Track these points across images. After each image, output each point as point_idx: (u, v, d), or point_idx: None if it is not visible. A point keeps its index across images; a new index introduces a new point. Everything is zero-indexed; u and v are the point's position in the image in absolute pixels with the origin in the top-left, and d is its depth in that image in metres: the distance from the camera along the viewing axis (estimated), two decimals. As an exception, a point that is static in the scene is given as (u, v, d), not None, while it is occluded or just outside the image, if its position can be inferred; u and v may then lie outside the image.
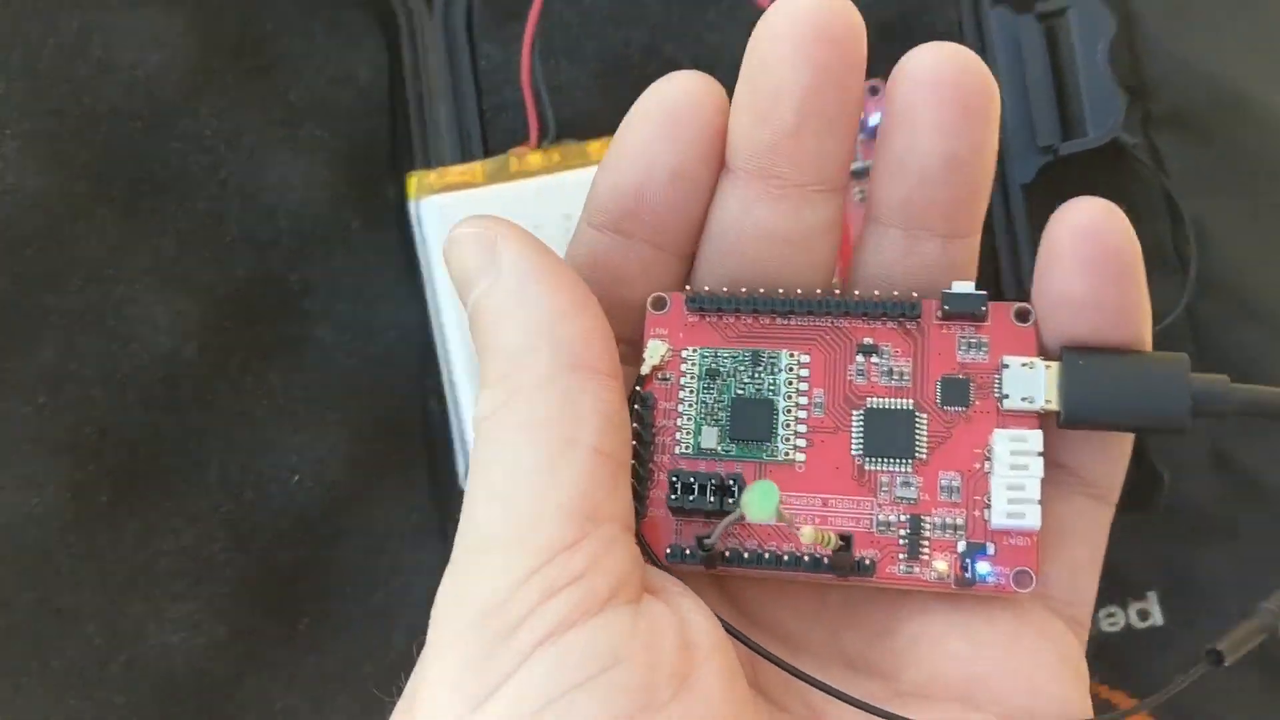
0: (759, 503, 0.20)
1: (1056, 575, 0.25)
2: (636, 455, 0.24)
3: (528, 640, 0.20)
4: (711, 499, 0.24)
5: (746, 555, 0.24)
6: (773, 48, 0.23)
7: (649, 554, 0.24)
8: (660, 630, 0.21)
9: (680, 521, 0.24)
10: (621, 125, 0.24)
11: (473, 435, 0.23)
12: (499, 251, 0.23)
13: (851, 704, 0.23)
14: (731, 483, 0.24)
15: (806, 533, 0.22)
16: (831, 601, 0.25)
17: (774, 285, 0.25)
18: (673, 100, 0.24)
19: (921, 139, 0.23)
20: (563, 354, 0.22)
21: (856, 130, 0.24)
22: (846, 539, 0.24)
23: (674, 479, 0.24)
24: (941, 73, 0.23)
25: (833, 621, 0.25)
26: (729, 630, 0.23)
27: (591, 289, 0.23)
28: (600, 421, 0.22)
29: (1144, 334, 0.24)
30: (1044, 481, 0.24)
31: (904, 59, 0.23)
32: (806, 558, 0.23)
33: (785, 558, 0.24)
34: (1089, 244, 0.23)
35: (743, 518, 0.21)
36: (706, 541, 0.23)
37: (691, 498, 0.24)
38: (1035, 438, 0.24)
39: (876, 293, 0.25)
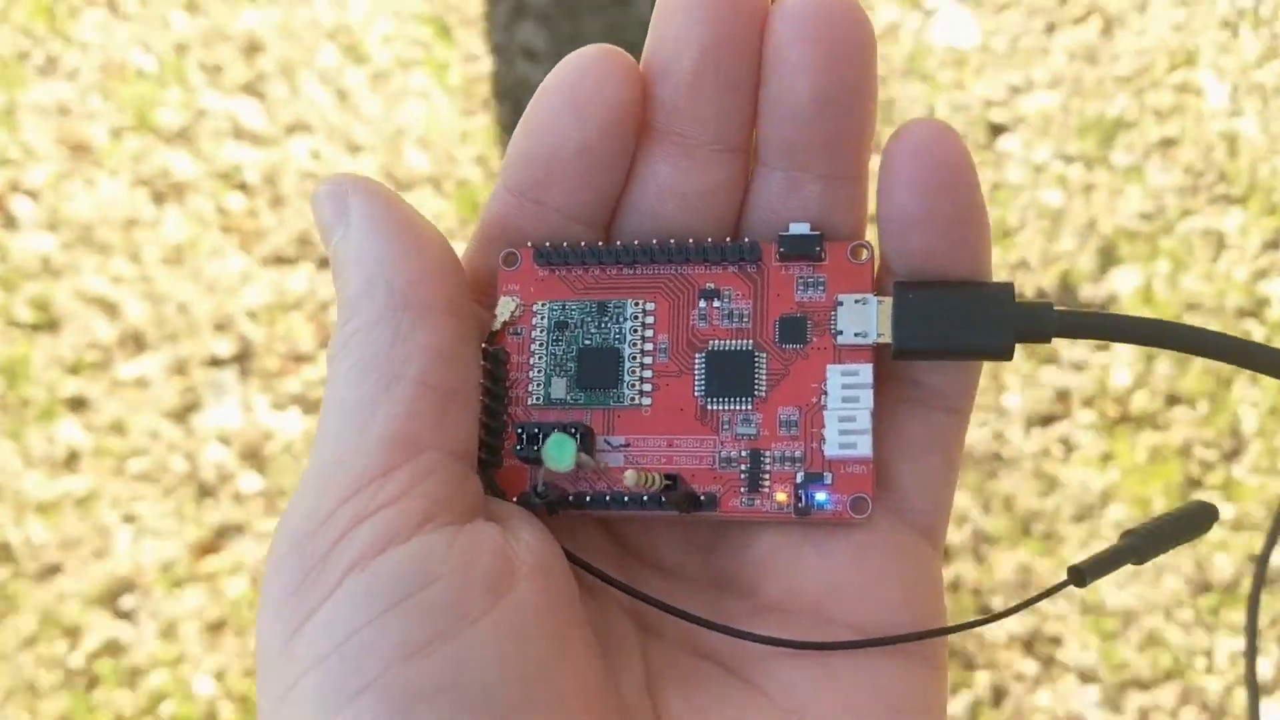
0: (555, 455, 0.21)
1: (911, 486, 0.25)
2: (489, 410, 0.25)
3: (338, 568, 0.21)
4: None
5: (589, 498, 0.25)
6: (673, 1, 0.24)
7: (504, 499, 0.25)
8: (478, 549, 0.22)
9: (534, 469, 0.25)
10: (533, 98, 0.25)
11: None
12: (349, 205, 0.24)
13: (679, 616, 0.24)
14: (573, 430, 0.25)
15: (629, 476, 0.23)
16: (699, 528, 0.26)
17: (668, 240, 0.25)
18: (577, 76, 0.24)
19: (791, 79, 0.24)
20: (395, 295, 0.23)
21: (756, 91, 0.25)
22: (673, 478, 0.24)
23: (519, 430, 0.25)
24: (810, 12, 0.23)
25: (701, 546, 0.26)
26: (571, 557, 0.24)
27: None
28: (428, 356, 0.23)
29: (980, 251, 0.24)
30: (897, 398, 0.25)
31: None
32: (646, 498, 0.24)
33: (626, 499, 0.24)
34: (921, 161, 0.23)
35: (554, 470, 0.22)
36: (538, 490, 0.24)
37: (536, 448, 0.25)
38: (866, 371, 0.25)
39: (711, 240, 0.26)
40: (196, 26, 0.88)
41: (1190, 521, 0.25)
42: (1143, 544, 0.25)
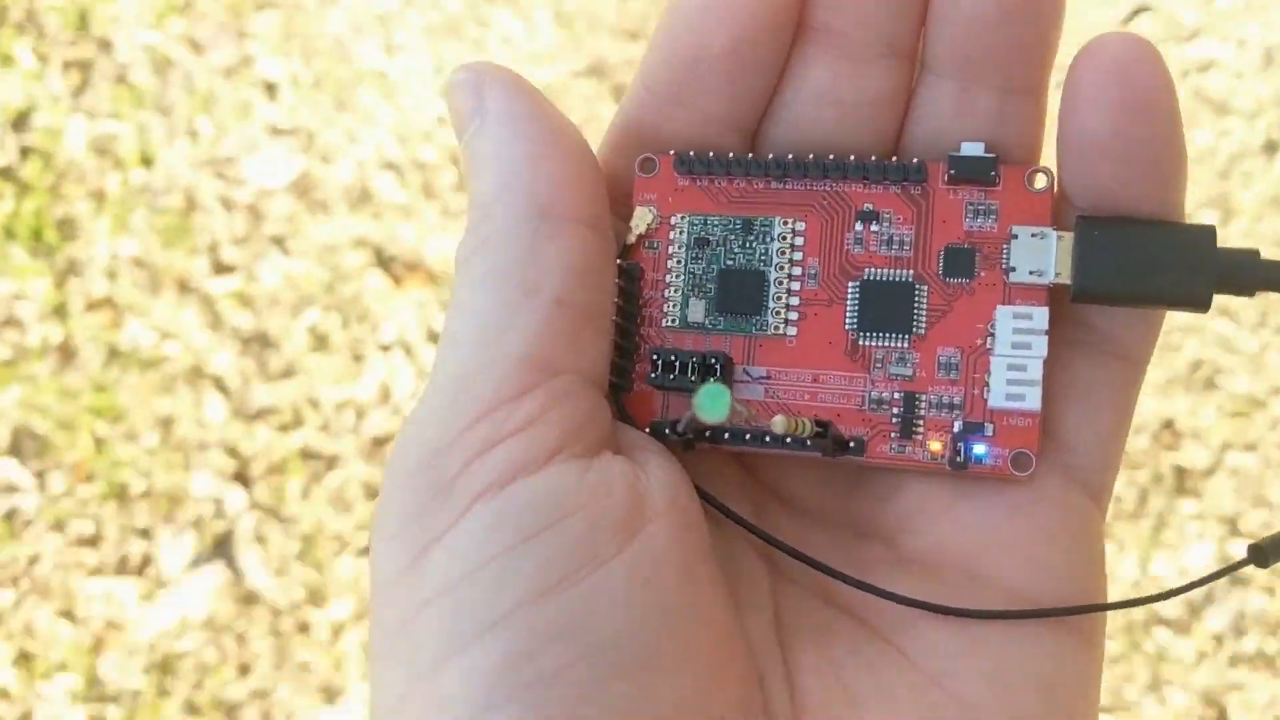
0: (709, 406, 0.19)
1: (1079, 441, 0.23)
2: (621, 330, 0.23)
3: (466, 493, 0.19)
4: (693, 378, 0.23)
5: (728, 435, 0.23)
6: None
7: (635, 427, 0.23)
8: (610, 485, 0.20)
9: (667, 396, 0.23)
10: None
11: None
12: (485, 97, 0.22)
13: (817, 568, 0.23)
14: (714, 361, 0.23)
15: (778, 422, 0.21)
16: (841, 470, 0.24)
17: (823, 154, 0.23)
18: None
19: None
20: (533, 201, 0.21)
21: None
22: (824, 425, 0.22)
23: (655, 357, 0.23)
24: None
25: (842, 489, 0.24)
26: (703, 495, 0.22)
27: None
28: (565, 271, 0.21)
29: (1173, 187, 0.22)
30: (1070, 341, 0.23)
31: None
32: (789, 439, 0.22)
33: (768, 437, 0.23)
34: (1114, 79, 0.21)
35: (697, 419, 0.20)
36: (679, 429, 0.22)
37: (671, 376, 0.23)
38: (1041, 315, 0.22)
39: (873, 156, 0.23)
40: None
41: None
42: None
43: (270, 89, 0.88)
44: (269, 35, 0.89)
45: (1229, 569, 0.22)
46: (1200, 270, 0.22)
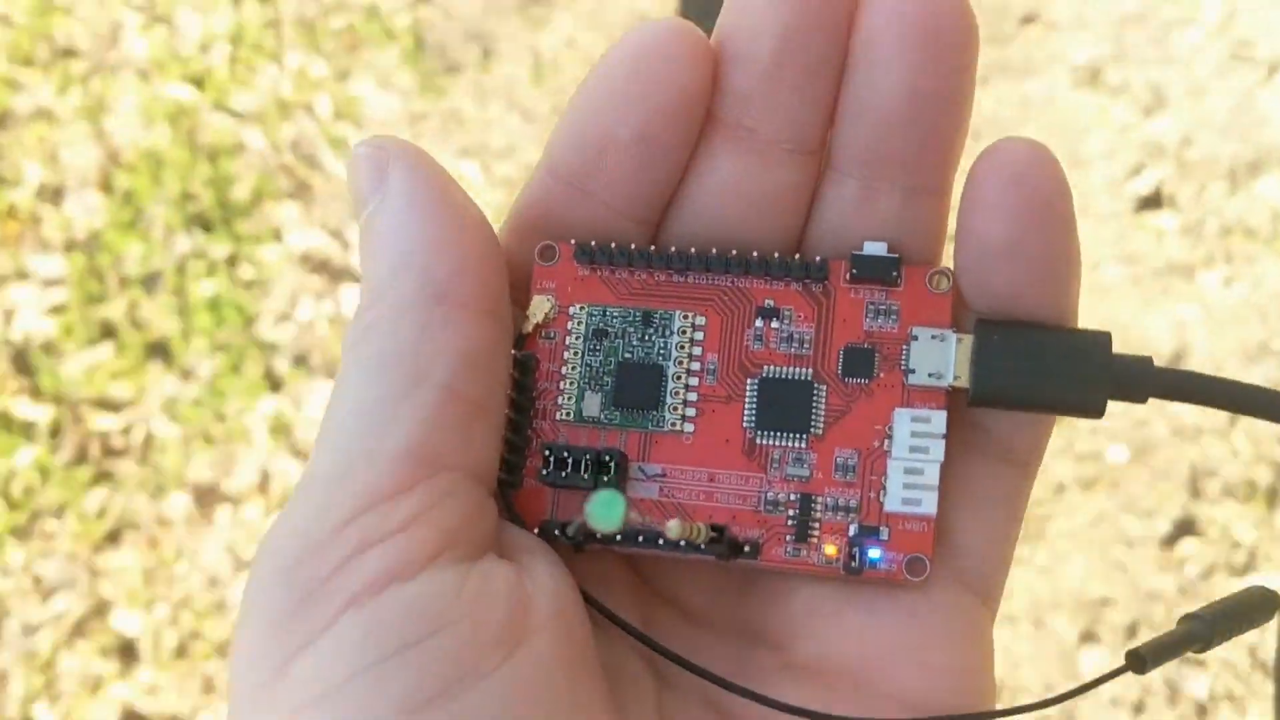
0: (602, 514, 0.18)
1: (971, 544, 0.23)
2: (513, 422, 0.23)
3: (337, 599, 0.18)
4: (585, 475, 0.22)
5: (620, 537, 0.22)
6: None
7: (523, 527, 0.22)
8: (492, 592, 0.19)
9: (558, 494, 0.23)
10: (589, 74, 0.22)
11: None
12: (388, 173, 0.21)
13: (703, 676, 0.22)
14: (608, 458, 0.22)
15: (673, 527, 0.20)
16: (733, 572, 0.24)
17: (726, 248, 0.23)
18: (642, 53, 0.22)
19: (881, 76, 0.21)
20: (428, 284, 0.20)
21: (837, 86, 0.22)
22: (719, 530, 0.22)
23: (547, 452, 0.23)
24: (908, 3, 0.21)
25: (734, 592, 0.23)
26: (589, 600, 0.21)
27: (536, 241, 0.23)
28: (458, 360, 0.20)
29: (1067, 291, 0.22)
30: (962, 443, 0.23)
31: None
32: (683, 542, 0.22)
33: (661, 541, 0.22)
34: (1012, 184, 0.21)
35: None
36: (568, 533, 0.22)
37: (564, 474, 0.22)
38: (939, 419, 0.22)
39: (776, 253, 0.23)
40: None
41: (1254, 608, 0.23)
42: (1207, 630, 0.22)
43: (126, 653, 0.73)
44: (127, 573, 0.75)
45: (1108, 676, 0.22)
46: (1096, 377, 0.22)
